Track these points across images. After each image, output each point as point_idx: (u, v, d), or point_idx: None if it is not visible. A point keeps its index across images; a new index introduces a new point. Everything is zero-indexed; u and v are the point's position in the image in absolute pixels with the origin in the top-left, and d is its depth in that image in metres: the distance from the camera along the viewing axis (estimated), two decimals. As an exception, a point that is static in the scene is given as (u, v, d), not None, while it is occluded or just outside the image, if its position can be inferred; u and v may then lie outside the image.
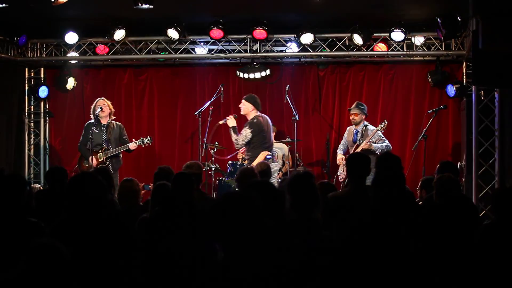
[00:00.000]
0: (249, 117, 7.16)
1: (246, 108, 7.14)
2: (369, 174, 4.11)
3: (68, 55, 8.91)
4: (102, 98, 7.76)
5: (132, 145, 7.48)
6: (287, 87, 8.07)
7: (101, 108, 7.59)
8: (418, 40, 8.41)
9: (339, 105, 9.07)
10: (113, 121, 7.70)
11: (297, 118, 7.77)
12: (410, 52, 8.47)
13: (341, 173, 7.75)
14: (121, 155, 7.66)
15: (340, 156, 7.92)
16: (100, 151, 7.52)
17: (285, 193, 3.16)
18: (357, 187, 4.06)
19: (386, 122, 7.45)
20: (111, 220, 3.22)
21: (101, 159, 7.48)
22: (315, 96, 9.15)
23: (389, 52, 8.52)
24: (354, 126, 7.82)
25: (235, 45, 8.71)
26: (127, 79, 9.36)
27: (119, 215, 4.06)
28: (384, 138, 7.63)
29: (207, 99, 8.64)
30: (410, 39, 8.35)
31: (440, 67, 8.54)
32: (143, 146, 7.51)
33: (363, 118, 7.79)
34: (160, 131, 9.33)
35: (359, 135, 7.68)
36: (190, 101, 9.25)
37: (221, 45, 8.65)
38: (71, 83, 9.04)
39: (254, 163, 6.68)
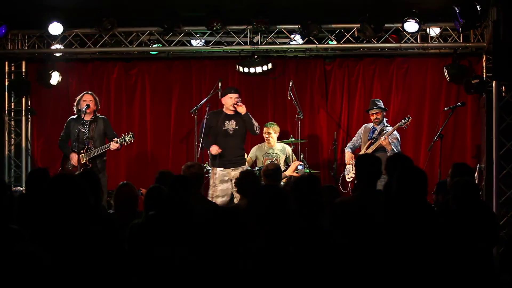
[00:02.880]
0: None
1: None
2: (380, 177, 4.15)
3: (52, 47, 8.87)
4: (90, 92, 7.72)
5: (113, 145, 7.37)
6: (290, 83, 8.08)
7: (88, 105, 7.56)
8: (434, 31, 8.39)
9: (347, 102, 9.06)
10: (97, 116, 7.66)
11: (302, 117, 7.85)
12: (425, 44, 8.47)
13: (349, 172, 7.76)
14: (105, 155, 7.60)
15: (349, 155, 7.94)
16: (82, 151, 7.47)
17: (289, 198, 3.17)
18: (367, 191, 4.09)
19: (410, 118, 7.48)
20: (94, 226, 3.25)
21: (84, 161, 7.43)
22: (321, 92, 9.14)
23: (402, 45, 8.52)
24: (373, 123, 7.84)
25: (234, 36, 8.70)
26: (116, 73, 9.36)
27: (105, 221, 3.94)
28: (399, 139, 7.62)
29: (203, 95, 8.64)
30: (425, 30, 8.33)
31: (457, 60, 8.49)
32: (125, 144, 7.42)
33: (384, 114, 7.87)
34: (153, 130, 9.34)
35: (376, 132, 7.70)
36: (185, 97, 9.26)
37: (219, 36, 8.64)
38: (55, 78, 9.00)
39: (288, 172, 6.91)
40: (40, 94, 9.31)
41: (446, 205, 4.49)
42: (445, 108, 7.97)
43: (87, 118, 7.54)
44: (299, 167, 6.99)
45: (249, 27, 8.47)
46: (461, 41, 8.41)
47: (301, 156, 8.02)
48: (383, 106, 7.84)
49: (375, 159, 4.23)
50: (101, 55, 9.15)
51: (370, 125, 7.92)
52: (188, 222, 3.82)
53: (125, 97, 9.31)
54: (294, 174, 7.03)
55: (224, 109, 7.33)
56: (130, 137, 7.32)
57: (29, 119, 9.40)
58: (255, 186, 4.97)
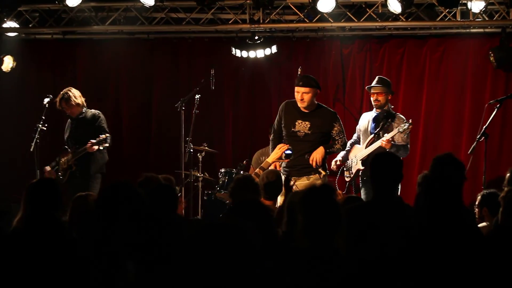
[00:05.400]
0: (311, 106, 6.90)
1: (311, 96, 6.84)
2: (400, 180, 4.23)
3: (5, 25, 8.88)
4: (69, 88, 7.83)
5: (90, 147, 7.48)
6: (299, 70, 8.05)
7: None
8: (477, 5, 8.33)
9: (369, 93, 8.90)
10: (88, 111, 7.80)
11: None
12: (466, 23, 8.47)
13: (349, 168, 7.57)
14: (100, 156, 7.72)
15: (337, 158, 7.65)
16: (69, 153, 7.73)
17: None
18: (385, 199, 4.10)
19: (410, 124, 7.20)
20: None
21: (66, 165, 7.67)
22: (337, 81, 9.17)
23: (437, 23, 8.56)
24: (373, 110, 7.63)
25: (229, 13, 8.73)
26: (85, 58, 9.43)
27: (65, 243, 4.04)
28: (408, 139, 7.48)
29: (192, 85, 8.66)
30: (466, 5, 8.30)
31: (506, 42, 8.48)
32: (101, 148, 7.50)
33: (389, 98, 7.62)
34: (129, 128, 9.42)
35: (380, 123, 7.46)
36: (170, 88, 9.33)
37: (211, 13, 8.71)
38: (8, 63, 9.01)
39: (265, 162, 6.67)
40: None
41: (495, 221, 4.46)
42: (491, 101, 7.88)
43: (74, 115, 7.78)
44: (287, 152, 6.65)
45: (248, 1, 8.52)
46: (510, 17, 8.40)
47: None
48: (390, 88, 7.60)
49: (394, 158, 4.29)
50: (66, 35, 9.21)
51: (370, 113, 7.69)
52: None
53: (95, 87, 9.32)
54: (280, 161, 6.76)
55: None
56: (106, 140, 7.46)
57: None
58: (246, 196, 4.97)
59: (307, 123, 6.79)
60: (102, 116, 7.86)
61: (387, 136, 7.19)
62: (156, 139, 9.39)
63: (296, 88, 6.80)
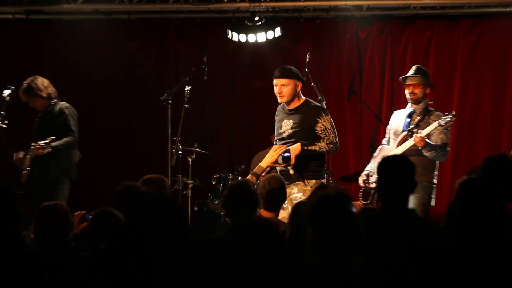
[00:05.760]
0: (296, 103, 6.92)
1: (290, 89, 6.84)
2: (413, 190, 4.17)
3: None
4: (34, 77, 7.80)
5: (37, 149, 7.38)
6: (307, 57, 8.01)
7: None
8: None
9: (390, 83, 9.05)
10: (58, 103, 7.79)
11: (324, 106, 7.56)
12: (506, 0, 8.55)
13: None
14: (64, 158, 7.69)
15: (366, 171, 7.59)
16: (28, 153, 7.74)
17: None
18: (392, 212, 4.09)
19: (454, 116, 7.10)
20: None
21: (24, 164, 7.67)
22: (352, 69, 9.18)
23: (471, 0, 8.61)
24: (409, 106, 7.47)
25: (225, -11, 8.79)
26: (52, 42, 9.42)
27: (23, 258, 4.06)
28: (449, 138, 7.39)
29: (181, 75, 8.75)
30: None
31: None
32: (45, 152, 7.35)
33: (427, 92, 7.45)
34: (105, 126, 9.43)
35: (415, 119, 7.32)
36: (154, 78, 9.35)
37: None
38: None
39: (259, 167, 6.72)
40: None
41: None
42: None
43: (40, 108, 7.83)
44: (285, 154, 6.63)
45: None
46: (559, -7, 8.49)
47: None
48: (429, 80, 7.47)
49: (405, 162, 4.25)
50: (29, 15, 9.20)
51: (404, 111, 7.52)
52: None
53: (64, 78, 9.18)
54: (276, 166, 6.75)
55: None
56: (46, 143, 7.36)
57: None
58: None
59: (290, 121, 6.86)
60: (70, 111, 7.79)
61: (424, 132, 7.03)
62: (138, 138, 9.39)
63: (274, 81, 6.88)
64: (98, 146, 9.38)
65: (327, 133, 6.69)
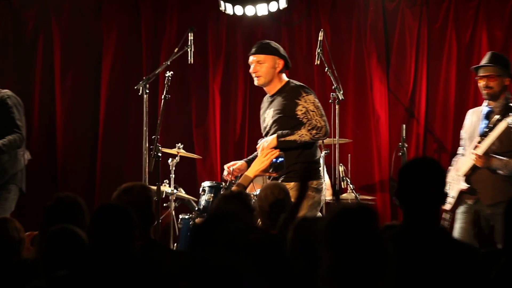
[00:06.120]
0: (276, 86, 7.02)
1: (268, 67, 6.97)
2: (444, 202, 4.12)
3: None
4: None
5: None
6: (320, 34, 7.89)
7: None
8: None
9: (426, 67, 9.02)
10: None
11: (341, 97, 7.60)
12: None
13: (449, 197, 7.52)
14: (8, 162, 7.73)
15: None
16: None
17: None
18: (417, 228, 4.04)
19: None
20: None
21: None
22: (377, 51, 9.14)
23: None
24: (484, 103, 7.46)
25: None
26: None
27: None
28: None
29: (161, 57, 8.97)
30: None
31: None
32: None
33: (506, 84, 7.38)
34: (65, 121, 9.34)
35: (492, 119, 7.28)
36: (127, 60, 9.41)
37: None
38: None
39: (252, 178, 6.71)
40: None
41: None
42: None
43: None
44: (278, 160, 6.67)
45: None
46: None
47: (341, 169, 8.08)
48: (508, 69, 7.46)
49: (434, 166, 4.13)
50: None
51: (481, 109, 7.52)
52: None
53: (13, 61, 9.36)
54: (266, 175, 6.85)
55: None
56: None
57: None
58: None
59: (272, 109, 7.02)
60: (14, 100, 7.69)
61: (483, 145, 7.00)
62: (106, 137, 9.32)
63: (249, 59, 7.07)
64: (59, 147, 9.30)
65: (308, 117, 6.70)
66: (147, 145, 7.61)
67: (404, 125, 8.24)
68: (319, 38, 7.81)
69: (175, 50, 7.81)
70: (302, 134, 6.69)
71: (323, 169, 7.89)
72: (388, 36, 9.16)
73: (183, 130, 8.99)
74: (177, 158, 8.18)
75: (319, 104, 6.70)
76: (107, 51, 9.38)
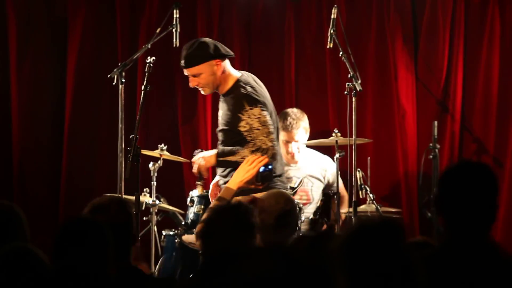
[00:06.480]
0: (225, 87, 7.32)
1: (207, 75, 7.23)
2: (495, 218, 4.12)
3: None
4: None
5: None
6: (334, 11, 7.91)
7: None
8: None
9: (463, 52, 8.92)
10: None
11: (360, 88, 7.64)
12: None
13: None
14: None
15: None
16: None
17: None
18: (466, 245, 4.04)
19: None
20: None
21: None
22: (404, 31, 9.13)
23: None
24: None
25: None
26: None
27: None
28: None
29: (140, 40, 9.10)
30: None
31: None
32: None
33: None
34: (23, 117, 9.37)
35: None
36: (99, 44, 9.46)
37: None
38: None
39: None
40: None
41: None
42: None
43: None
44: (265, 169, 6.89)
45: None
46: None
47: (360, 174, 8.05)
48: None
49: (485, 172, 4.16)
50: None
51: None
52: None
53: None
54: (252, 187, 6.94)
55: None
56: None
57: None
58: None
59: (221, 112, 7.36)
60: None
61: None
62: (73, 136, 9.30)
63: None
64: (16, 149, 9.27)
65: (252, 136, 6.93)
66: (123, 146, 7.59)
67: (435, 122, 8.36)
68: (332, 16, 7.81)
69: (157, 31, 7.81)
70: (244, 156, 6.88)
71: (336, 175, 8.00)
72: (416, 13, 9.14)
73: (167, 128, 9.06)
74: (160, 162, 8.05)
75: (267, 118, 6.84)
76: (74, 31, 9.36)
